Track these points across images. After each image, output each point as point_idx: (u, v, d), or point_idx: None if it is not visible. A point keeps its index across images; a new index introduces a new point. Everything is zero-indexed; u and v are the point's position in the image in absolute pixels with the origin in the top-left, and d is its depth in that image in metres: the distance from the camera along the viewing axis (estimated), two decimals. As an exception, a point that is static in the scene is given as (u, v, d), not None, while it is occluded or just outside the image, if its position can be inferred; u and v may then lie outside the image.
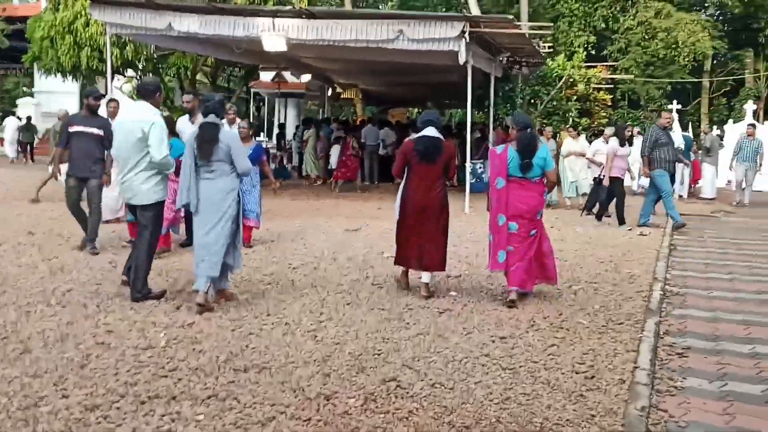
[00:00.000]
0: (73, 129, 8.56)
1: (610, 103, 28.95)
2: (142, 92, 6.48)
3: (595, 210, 13.36)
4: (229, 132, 6.43)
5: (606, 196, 12.96)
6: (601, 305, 6.77)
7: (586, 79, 20.69)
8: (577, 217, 13.64)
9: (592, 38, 31.31)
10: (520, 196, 6.64)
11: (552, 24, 18.19)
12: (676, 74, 34.40)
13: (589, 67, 22.42)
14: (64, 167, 8.98)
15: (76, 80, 22.58)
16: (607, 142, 13.24)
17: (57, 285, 6.85)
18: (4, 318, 5.70)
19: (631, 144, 14.06)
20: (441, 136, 6.93)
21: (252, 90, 30.29)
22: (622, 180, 12.77)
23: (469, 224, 11.64)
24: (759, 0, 34.07)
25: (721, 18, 36.63)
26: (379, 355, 5.08)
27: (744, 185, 17.52)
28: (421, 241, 6.86)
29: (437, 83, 22.12)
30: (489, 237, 6.93)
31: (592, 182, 13.90)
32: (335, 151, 18.34)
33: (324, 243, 9.71)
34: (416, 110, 35.80)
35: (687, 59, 31.40)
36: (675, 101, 28.59)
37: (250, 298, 6.64)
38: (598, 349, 5.40)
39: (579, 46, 29.11)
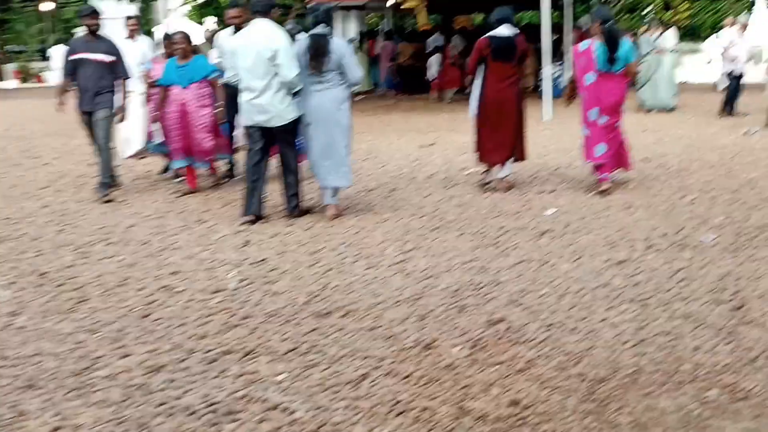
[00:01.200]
0: (74, 57, 7.22)
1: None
2: (258, 9, 6.02)
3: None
4: (340, 42, 6.23)
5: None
6: (725, 216, 5.89)
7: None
8: (673, 117, 12.51)
9: None
10: (609, 89, 6.77)
11: None
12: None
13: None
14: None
15: (131, 1, 22.01)
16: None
17: (119, 221, 6.35)
18: (60, 261, 5.21)
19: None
20: (515, 33, 6.95)
21: (308, 6, 29.14)
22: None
23: (552, 134, 10.70)
24: None
25: None
26: (479, 289, 4.39)
27: None
28: (500, 136, 7.04)
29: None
30: (584, 131, 6.97)
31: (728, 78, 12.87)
32: (436, 61, 17.72)
33: (399, 161, 8.99)
34: (481, 17, 34.08)
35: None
36: (762, -13, 26.27)
37: (327, 227, 6.01)
38: (736, 270, 4.58)
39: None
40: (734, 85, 12.59)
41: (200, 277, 4.80)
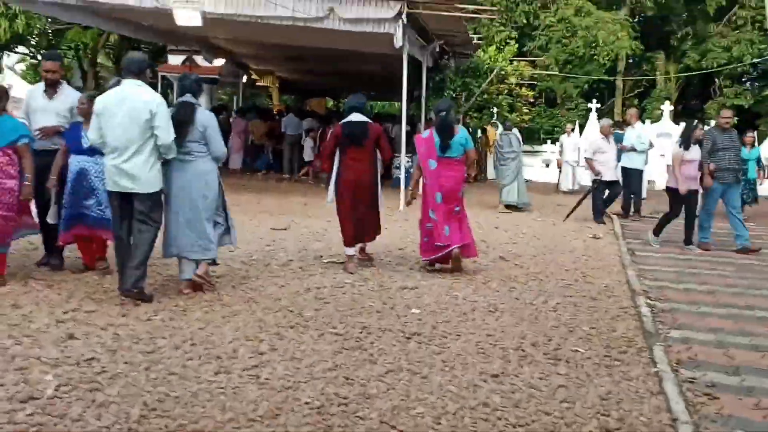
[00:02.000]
0: None
1: (532, 100, 28.57)
2: (131, 69, 5.71)
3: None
4: (207, 113, 6.11)
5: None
6: (590, 326, 5.73)
7: (517, 73, 19.89)
8: (523, 216, 12.75)
9: (514, 34, 30.75)
10: (448, 175, 7.30)
11: (495, 7, 17.17)
12: (593, 74, 34.43)
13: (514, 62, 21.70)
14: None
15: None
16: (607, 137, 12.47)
17: None
18: None
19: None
20: (367, 120, 7.40)
21: (159, 74, 28.19)
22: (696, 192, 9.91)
23: (409, 224, 10.51)
24: (671, 2, 34.50)
25: (635, 19, 36.81)
26: (347, 405, 3.85)
27: None
28: (359, 217, 7.34)
29: (359, 72, 20.96)
30: (431, 215, 7.32)
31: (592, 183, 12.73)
32: (309, 143, 17.67)
33: (251, 246, 8.36)
34: (331, 102, 34.57)
35: (606, 58, 31.32)
36: (595, 100, 28.44)
37: (167, 319, 5.28)
38: (615, 391, 4.32)
39: (500, 42, 28.50)
40: (602, 191, 12.54)
41: (8, 379, 3.94)
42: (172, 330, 5.01)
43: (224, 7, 12.10)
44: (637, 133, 13.11)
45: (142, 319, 5.22)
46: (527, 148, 25.80)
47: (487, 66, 18.98)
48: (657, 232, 10.03)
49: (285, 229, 9.80)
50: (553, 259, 8.56)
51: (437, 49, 15.45)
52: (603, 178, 12.29)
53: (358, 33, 12.22)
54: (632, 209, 13.16)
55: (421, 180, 7.50)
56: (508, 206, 13.54)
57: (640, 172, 13.21)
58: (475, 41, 17.39)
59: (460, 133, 7.42)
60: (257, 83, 26.01)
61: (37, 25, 16.91)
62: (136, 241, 5.68)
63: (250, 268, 7.24)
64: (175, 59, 23.97)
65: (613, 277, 7.70)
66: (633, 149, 12.79)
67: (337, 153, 7.34)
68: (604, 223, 12.13)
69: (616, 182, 12.60)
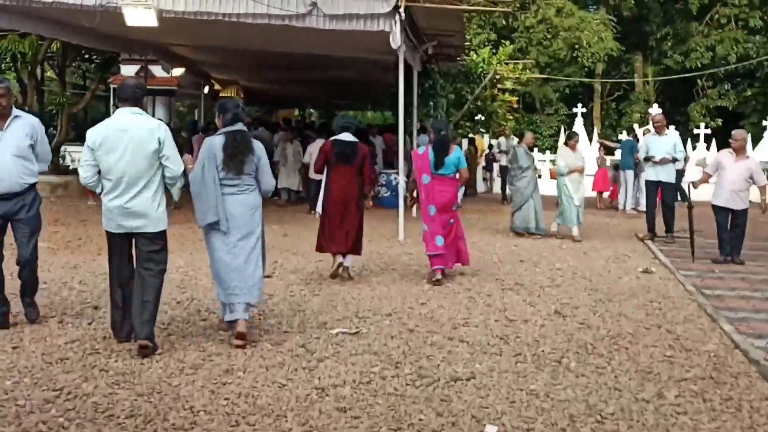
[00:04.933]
0: None
1: (516, 106, 26.79)
2: (126, 96, 5.18)
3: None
4: (259, 144, 5.68)
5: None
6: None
7: (514, 77, 18.09)
8: (543, 243, 10.86)
9: (493, 36, 29.06)
10: (441, 190, 7.73)
11: None
12: (573, 77, 32.93)
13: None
14: None
15: None
16: None
17: None
18: None
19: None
20: (356, 140, 7.80)
21: (112, 86, 25.80)
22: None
23: (412, 256, 8.57)
24: (651, 1, 33.13)
25: (614, 20, 35.39)
26: None
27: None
28: (342, 230, 7.66)
29: (335, 80, 19.05)
30: (424, 226, 7.83)
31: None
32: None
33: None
34: (298, 112, 32.56)
35: (590, 60, 29.78)
36: (580, 105, 26.73)
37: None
38: None
39: (479, 45, 26.78)
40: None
41: None
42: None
43: (184, 4, 10.08)
44: (673, 141, 11.29)
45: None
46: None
47: (481, 70, 17.10)
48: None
49: (269, 277, 7.80)
50: (621, 312, 6.66)
51: (429, 52, 13.54)
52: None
53: (344, 32, 10.28)
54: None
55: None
56: (517, 233, 11.66)
57: (674, 185, 11.46)
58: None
59: (455, 152, 7.86)
60: (220, 94, 23.86)
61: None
62: (146, 285, 5.13)
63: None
64: (128, 69, 21.74)
65: (712, 338, 5.83)
66: (674, 159, 10.98)
67: (326, 169, 7.75)
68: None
69: None
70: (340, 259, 7.72)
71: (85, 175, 5.15)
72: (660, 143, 11.13)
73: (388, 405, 4.24)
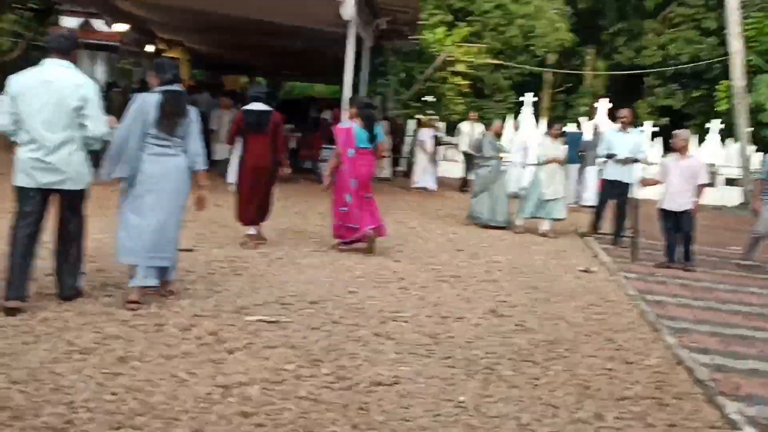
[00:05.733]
0: None
1: (467, 90, 26.37)
2: (56, 46, 4.99)
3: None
4: (194, 109, 5.60)
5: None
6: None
7: (468, 59, 17.64)
8: (490, 233, 10.53)
9: (449, 17, 28.56)
10: (362, 163, 7.94)
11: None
12: (525, 65, 32.69)
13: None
14: None
15: None
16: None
17: None
18: None
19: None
20: (269, 108, 7.88)
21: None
22: None
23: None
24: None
25: (569, 11, 35.23)
26: None
27: None
28: (254, 199, 7.86)
29: (285, 50, 18.32)
30: (348, 198, 7.93)
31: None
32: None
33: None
34: (246, 80, 31.58)
35: (542, 50, 29.58)
36: (531, 93, 26.45)
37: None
38: None
39: (434, 25, 26.25)
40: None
41: None
42: None
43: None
44: (637, 139, 10.94)
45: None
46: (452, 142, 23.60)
47: (434, 50, 16.59)
48: None
49: (189, 251, 7.26)
50: (559, 314, 6.33)
51: (383, 27, 13.02)
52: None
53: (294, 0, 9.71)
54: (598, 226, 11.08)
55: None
56: (476, 223, 11.26)
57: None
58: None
59: (377, 127, 8.22)
60: (164, 54, 22.88)
61: None
62: (70, 238, 5.17)
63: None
64: (69, 22, 20.61)
65: (654, 350, 5.53)
66: (635, 160, 10.58)
67: (240, 139, 7.93)
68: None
69: None
70: (251, 230, 7.96)
71: (3, 122, 4.92)
72: (624, 140, 10.67)
73: (299, 411, 3.79)
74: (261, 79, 32.62)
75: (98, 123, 5.00)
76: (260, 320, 5.25)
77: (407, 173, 19.76)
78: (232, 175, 7.95)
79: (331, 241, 8.30)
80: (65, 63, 4.98)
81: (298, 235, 8.96)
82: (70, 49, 5.04)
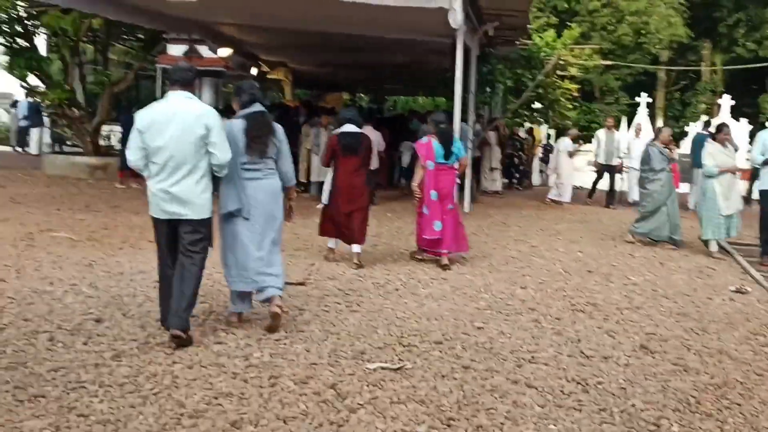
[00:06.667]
0: None
1: (576, 94, 25.24)
2: (177, 79, 5.09)
3: None
4: (280, 127, 5.54)
5: None
6: None
7: (581, 62, 16.74)
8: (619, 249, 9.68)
9: (554, 19, 27.57)
10: (443, 178, 8.10)
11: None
12: (637, 64, 31.14)
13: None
14: None
15: None
16: None
17: None
18: None
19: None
20: (360, 131, 8.00)
21: (159, 67, 25.07)
22: None
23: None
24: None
25: (684, 4, 33.41)
26: None
27: None
28: (349, 219, 7.86)
29: (384, 64, 17.98)
30: (425, 210, 8.10)
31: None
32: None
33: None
34: (350, 96, 31.53)
35: (656, 47, 28.03)
36: (645, 94, 25.01)
37: None
38: None
39: (538, 29, 25.32)
40: None
41: None
42: None
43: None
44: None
45: None
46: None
47: (544, 54, 15.80)
48: None
49: (302, 284, 6.84)
50: (720, 348, 5.49)
51: (490, 34, 12.37)
52: None
53: (399, 10, 9.21)
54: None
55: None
56: (640, 239, 10.35)
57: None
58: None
59: (455, 142, 8.29)
60: (268, 76, 22.97)
61: (6, 6, 13.96)
62: (186, 275, 5.04)
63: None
64: (175, 49, 20.96)
65: None
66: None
67: (334, 161, 7.91)
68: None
69: None
70: (347, 247, 8.01)
71: (133, 157, 5.08)
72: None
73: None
74: (363, 96, 32.60)
75: (223, 150, 5.05)
76: (382, 368, 4.71)
77: (520, 183, 19.01)
78: (325, 195, 7.95)
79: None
80: (188, 94, 5.09)
81: (407, 259, 8.42)
82: (191, 80, 5.18)
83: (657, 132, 10.85)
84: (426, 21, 10.02)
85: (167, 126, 4.96)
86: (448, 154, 8.08)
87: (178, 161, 4.97)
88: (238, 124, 5.36)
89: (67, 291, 6.28)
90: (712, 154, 9.64)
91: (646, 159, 10.37)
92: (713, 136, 10.17)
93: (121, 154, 15.06)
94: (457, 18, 8.78)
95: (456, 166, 8.24)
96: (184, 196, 4.99)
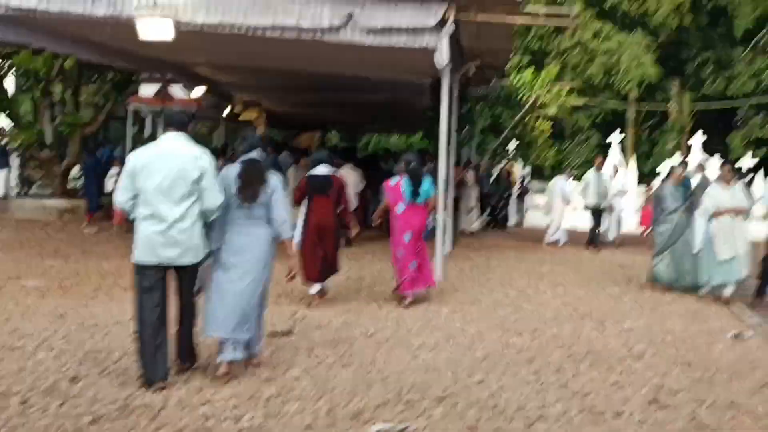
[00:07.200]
0: None
1: (550, 131, 25.35)
2: (174, 122, 5.20)
3: None
4: (276, 177, 5.53)
5: None
6: None
7: (560, 101, 16.76)
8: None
9: (525, 59, 27.77)
10: (414, 217, 8.18)
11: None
12: (607, 103, 31.46)
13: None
14: None
15: None
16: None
17: None
18: None
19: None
20: (330, 173, 8.21)
21: (129, 108, 24.60)
22: None
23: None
24: (692, 24, 31.57)
25: (655, 42, 33.84)
26: None
27: None
28: (320, 256, 8.00)
29: (364, 103, 17.86)
30: (399, 252, 8.22)
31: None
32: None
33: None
34: (319, 135, 31.26)
35: (627, 85, 28.32)
36: (619, 130, 25.07)
37: None
38: None
39: (513, 68, 25.46)
40: None
41: None
42: None
43: (204, 14, 8.86)
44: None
45: None
46: (540, 186, 22.43)
47: (522, 94, 15.76)
48: None
49: (287, 335, 6.52)
50: (732, 401, 5.26)
51: (472, 72, 12.27)
52: None
53: (382, 50, 9.03)
54: None
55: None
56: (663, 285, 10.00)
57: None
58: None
59: (425, 182, 8.22)
60: (240, 118, 22.65)
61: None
62: (188, 314, 5.22)
63: None
64: (147, 89, 20.65)
65: None
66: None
67: (305, 201, 8.10)
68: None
69: None
70: (314, 289, 8.02)
71: (122, 198, 5.03)
72: None
73: None
74: (334, 133, 32.39)
75: (215, 194, 5.07)
76: (383, 431, 4.39)
77: (497, 222, 18.85)
78: (296, 235, 7.69)
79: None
80: (183, 136, 5.11)
81: (394, 306, 8.14)
82: (187, 123, 5.24)
83: (670, 172, 10.68)
84: (410, 61, 9.88)
85: (161, 167, 4.94)
86: (415, 193, 8.10)
87: (173, 203, 4.93)
88: (234, 169, 5.43)
89: (39, 346, 5.90)
90: (711, 195, 9.38)
91: (660, 199, 10.18)
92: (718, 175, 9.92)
93: (88, 196, 14.67)
94: (443, 57, 8.61)
95: (425, 205, 8.26)
96: (180, 238, 4.94)
